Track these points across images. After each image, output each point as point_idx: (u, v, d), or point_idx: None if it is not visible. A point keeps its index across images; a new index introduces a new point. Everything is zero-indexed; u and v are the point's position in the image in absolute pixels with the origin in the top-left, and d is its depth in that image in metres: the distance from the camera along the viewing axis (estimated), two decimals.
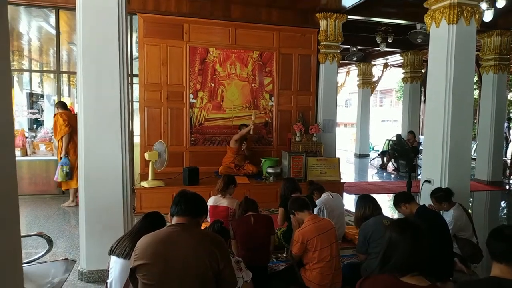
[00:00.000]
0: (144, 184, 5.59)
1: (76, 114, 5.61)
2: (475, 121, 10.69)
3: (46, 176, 6.35)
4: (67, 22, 6.78)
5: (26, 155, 6.37)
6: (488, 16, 6.44)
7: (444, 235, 3.32)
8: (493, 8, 6.48)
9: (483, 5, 6.16)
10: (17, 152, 6.17)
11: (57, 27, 6.47)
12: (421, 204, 3.88)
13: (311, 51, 7.45)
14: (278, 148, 7.27)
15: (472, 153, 8.40)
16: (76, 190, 5.79)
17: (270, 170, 6.21)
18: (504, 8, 6.36)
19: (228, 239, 3.09)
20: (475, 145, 9.43)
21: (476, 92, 11.63)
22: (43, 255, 2.66)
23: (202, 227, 2.61)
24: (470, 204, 6.86)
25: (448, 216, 3.87)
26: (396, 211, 3.77)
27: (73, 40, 7.29)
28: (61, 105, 6.01)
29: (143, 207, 5.38)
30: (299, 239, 2.92)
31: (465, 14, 4.53)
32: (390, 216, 4.10)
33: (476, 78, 10.58)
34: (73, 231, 4.71)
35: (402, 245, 1.71)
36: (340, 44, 7.55)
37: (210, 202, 3.92)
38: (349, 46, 10.55)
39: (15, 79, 8.23)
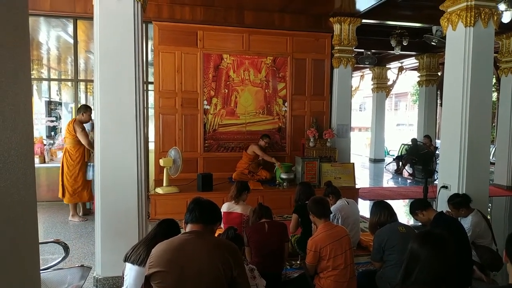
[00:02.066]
0: (159, 190, 5.64)
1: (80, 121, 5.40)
2: (493, 124, 10.45)
3: None
4: (84, 31, 6.93)
5: (44, 162, 6.51)
6: (506, 17, 6.30)
7: (462, 242, 3.24)
8: None
9: (502, 6, 6.03)
10: (36, 160, 6.30)
11: (75, 36, 6.62)
12: (438, 210, 3.81)
13: (325, 55, 7.43)
14: (291, 154, 7.24)
15: (491, 157, 8.21)
16: (74, 205, 5.59)
17: (283, 176, 6.18)
18: None
19: (242, 246, 3.08)
20: (494, 149, 9.21)
21: (495, 95, 11.39)
22: (59, 262, 2.70)
23: (216, 234, 2.62)
24: (489, 210, 6.70)
25: (466, 222, 3.79)
26: (412, 218, 3.71)
27: (90, 48, 7.44)
28: (80, 109, 5.58)
29: (158, 213, 5.42)
30: (312, 248, 2.90)
31: (482, 16, 4.43)
32: (405, 223, 4.04)
33: (494, 81, 10.35)
34: (89, 238, 4.78)
35: (424, 258, 1.62)
36: (354, 48, 7.51)
37: (224, 208, 3.93)
38: (363, 50, 10.47)
39: (35, 87, 8.44)
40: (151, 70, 6.89)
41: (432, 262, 1.59)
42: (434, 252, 1.62)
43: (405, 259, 1.71)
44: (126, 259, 2.39)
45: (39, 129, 7.53)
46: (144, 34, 3.97)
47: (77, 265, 2.82)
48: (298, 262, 3.97)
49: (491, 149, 8.91)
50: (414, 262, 1.65)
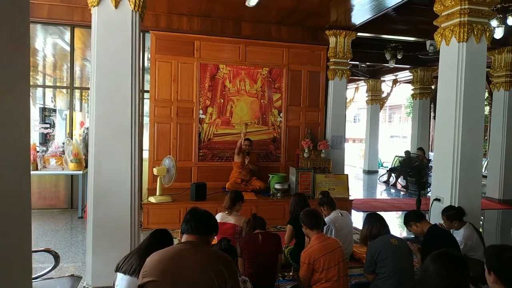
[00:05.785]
0: (152, 199, 5.60)
1: None
2: (486, 137, 10.57)
3: (55, 190, 6.44)
4: (81, 39, 6.93)
5: (36, 169, 6.43)
6: (498, 34, 6.44)
7: None
8: (503, 26, 6.48)
9: (494, 23, 6.17)
10: None
11: (71, 44, 6.62)
12: (431, 222, 3.82)
13: (320, 67, 7.49)
14: (286, 164, 7.25)
15: (483, 170, 8.28)
16: None
17: (277, 186, 6.18)
18: None
19: (235, 257, 3.06)
20: (486, 162, 9.30)
21: (487, 109, 11.54)
22: (49, 271, 2.66)
23: None
24: (481, 223, 6.73)
25: (459, 235, 3.81)
26: (405, 230, 3.72)
27: (86, 56, 7.44)
28: None
29: (150, 223, 5.38)
30: (305, 260, 2.89)
31: (475, 32, 4.52)
32: (398, 235, 4.05)
33: (486, 95, 10.50)
34: (80, 246, 4.72)
35: (431, 271, 1.76)
36: (349, 61, 7.59)
37: (217, 218, 3.90)
38: (358, 62, 10.59)
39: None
40: (147, 77, 6.90)
41: (438, 275, 1.76)
42: (442, 268, 1.77)
43: (418, 271, 1.87)
44: (117, 269, 2.37)
45: (32, 135, 7.48)
46: (141, 43, 3.99)
47: (67, 275, 2.78)
48: (291, 273, 3.94)
49: (483, 162, 9.00)
50: (424, 274, 1.83)
